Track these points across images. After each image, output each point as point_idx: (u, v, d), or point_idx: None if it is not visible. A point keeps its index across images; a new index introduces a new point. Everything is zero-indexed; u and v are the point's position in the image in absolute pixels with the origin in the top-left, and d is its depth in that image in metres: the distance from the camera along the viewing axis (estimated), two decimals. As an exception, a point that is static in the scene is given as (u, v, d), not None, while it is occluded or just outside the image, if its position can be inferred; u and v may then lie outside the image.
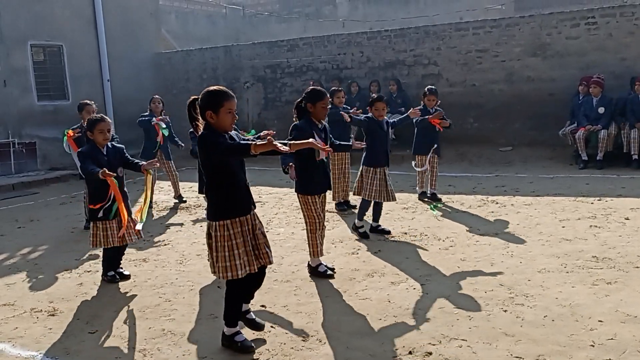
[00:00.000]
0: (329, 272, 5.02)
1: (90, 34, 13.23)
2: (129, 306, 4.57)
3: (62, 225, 7.55)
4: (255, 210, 3.81)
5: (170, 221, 7.56)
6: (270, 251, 3.86)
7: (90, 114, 6.76)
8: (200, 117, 3.62)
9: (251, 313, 3.97)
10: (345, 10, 24.43)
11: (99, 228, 4.98)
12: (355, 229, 6.32)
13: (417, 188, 7.98)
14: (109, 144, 5.11)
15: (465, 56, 11.47)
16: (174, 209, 8.25)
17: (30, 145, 11.99)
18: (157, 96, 8.81)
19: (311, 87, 5.04)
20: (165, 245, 6.34)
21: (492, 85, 11.30)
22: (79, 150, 5.26)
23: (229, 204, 3.62)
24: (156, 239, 6.59)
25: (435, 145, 7.65)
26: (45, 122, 12.18)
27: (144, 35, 14.52)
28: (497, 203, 7.51)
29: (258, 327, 3.91)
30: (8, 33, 11.71)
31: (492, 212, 7.09)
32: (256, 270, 3.76)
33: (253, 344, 3.70)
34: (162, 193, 9.25)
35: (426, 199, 7.81)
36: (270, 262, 3.86)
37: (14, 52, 11.84)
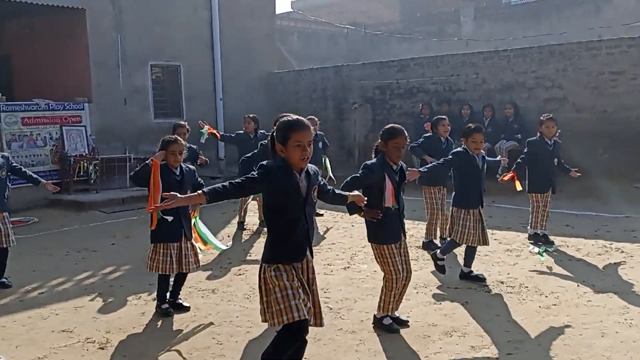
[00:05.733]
0: (395, 327, 4.39)
1: (206, 54, 13.65)
2: (179, 346, 4.28)
3: (152, 244, 7.58)
4: (312, 263, 3.34)
5: (251, 248, 7.30)
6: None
7: (182, 135, 6.82)
8: None
9: None
10: (469, 28, 23.40)
11: (157, 252, 4.81)
12: (434, 258, 5.57)
13: (530, 228, 7.03)
14: (183, 165, 4.99)
15: (597, 79, 10.21)
16: (257, 234, 8.00)
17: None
18: (250, 115, 8.76)
19: (389, 125, 4.44)
20: (239, 275, 6.06)
21: (627, 112, 9.93)
22: (146, 162, 5.14)
23: (280, 248, 3.24)
24: (232, 268, 6.33)
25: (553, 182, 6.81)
26: (159, 139, 12.63)
27: (258, 55, 14.72)
28: (622, 252, 6.38)
29: None
30: (131, 54, 12.36)
31: (615, 263, 6.01)
32: (308, 319, 3.22)
33: None
34: (248, 216, 9.03)
35: (539, 243, 6.82)
36: (322, 325, 3.38)
37: (135, 72, 12.47)
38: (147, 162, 4.91)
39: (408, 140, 4.33)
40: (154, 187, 4.76)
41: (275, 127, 3.28)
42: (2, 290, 5.72)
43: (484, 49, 13.32)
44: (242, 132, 8.65)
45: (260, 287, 3.26)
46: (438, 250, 5.61)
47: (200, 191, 3.11)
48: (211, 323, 4.70)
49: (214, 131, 8.55)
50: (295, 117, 3.24)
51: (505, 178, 6.53)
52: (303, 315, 3.11)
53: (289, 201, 3.18)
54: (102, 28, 11.88)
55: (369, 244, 4.46)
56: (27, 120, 10.80)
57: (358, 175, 4.22)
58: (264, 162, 3.20)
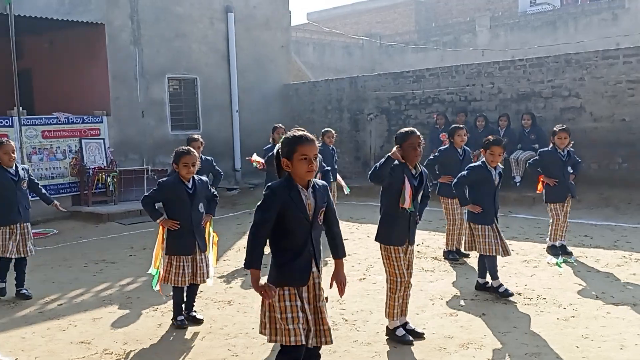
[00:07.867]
0: (407, 337, 4.38)
1: (222, 67, 13.79)
2: (195, 357, 4.30)
3: (169, 256, 7.63)
4: (319, 280, 3.29)
5: (267, 259, 7.30)
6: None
7: (196, 149, 6.82)
8: None
9: None
10: (485, 38, 23.32)
11: (171, 264, 4.86)
12: (493, 290, 5.39)
13: (548, 239, 6.95)
14: (195, 177, 5.01)
15: (614, 87, 10.11)
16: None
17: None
18: (281, 125, 8.47)
19: (401, 129, 4.46)
20: (255, 286, 6.07)
21: (646, 121, 9.82)
22: (159, 180, 5.19)
23: (285, 271, 3.21)
24: (247, 280, 6.34)
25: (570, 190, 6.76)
26: (176, 151, 12.77)
27: (274, 67, 14.84)
28: (642, 263, 6.30)
29: None
30: (149, 67, 12.53)
31: (635, 274, 5.92)
32: (311, 345, 3.21)
33: None
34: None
35: (558, 255, 6.73)
36: (331, 342, 3.29)
37: (153, 85, 12.63)
38: (156, 216, 4.99)
39: (421, 139, 4.35)
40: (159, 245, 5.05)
41: (279, 145, 3.27)
42: (22, 301, 5.80)
43: (499, 58, 13.29)
44: (269, 145, 8.28)
45: (263, 299, 3.23)
46: (491, 282, 5.44)
47: (250, 269, 3.14)
48: (227, 334, 4.72)
49: (257, 161, 7.92)
50: (299, 132, 3.24)
51: (540, 188, 6.84)
52: (299, 341, 3.12)
53: (293, 220, 3.15)
54: (120, 42, 12.07)
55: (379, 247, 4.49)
56: (47, 134, 10.98)
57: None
58: (270, 184, 3.21)
